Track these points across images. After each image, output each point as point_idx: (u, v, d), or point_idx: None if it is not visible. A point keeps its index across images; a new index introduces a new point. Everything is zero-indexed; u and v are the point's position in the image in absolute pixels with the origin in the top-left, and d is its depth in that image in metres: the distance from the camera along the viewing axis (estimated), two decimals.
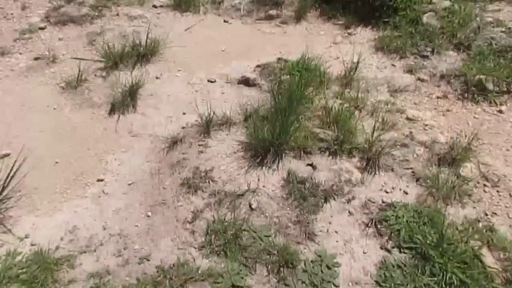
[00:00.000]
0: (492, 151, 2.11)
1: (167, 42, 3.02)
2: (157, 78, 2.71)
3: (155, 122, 2.36)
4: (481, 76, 2.47)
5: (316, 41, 3.03)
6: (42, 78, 2.78)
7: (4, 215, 1.87)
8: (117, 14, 3.43)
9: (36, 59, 2.96)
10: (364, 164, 2.01)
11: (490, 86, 2.45)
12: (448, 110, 2.38)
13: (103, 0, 3.59)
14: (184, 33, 3.20)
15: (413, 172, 1.98)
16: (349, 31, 3.10)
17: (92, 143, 2.25)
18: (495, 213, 1.81)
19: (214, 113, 2.25)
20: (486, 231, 1.74)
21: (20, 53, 3.04)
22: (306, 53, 2.67)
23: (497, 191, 1.90)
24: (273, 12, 3.31)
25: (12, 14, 3.51)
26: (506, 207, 1.85)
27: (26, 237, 1.80)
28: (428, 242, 1.67)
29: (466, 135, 2.14)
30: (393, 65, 2.74)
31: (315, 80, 2.49)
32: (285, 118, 2.06)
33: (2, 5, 3.66)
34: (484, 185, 1.93)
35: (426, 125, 2.26)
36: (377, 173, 1.98)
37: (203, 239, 1.74)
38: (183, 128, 2.29)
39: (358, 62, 2.59)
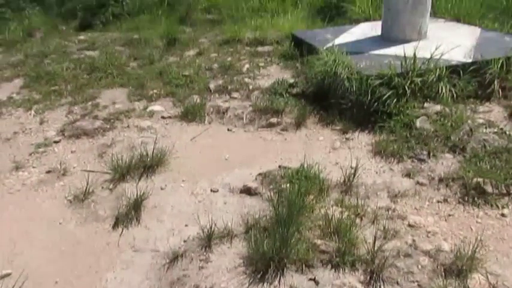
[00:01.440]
0: (499, 259, 2.05)
1: (173, 152, 3.17)
2: (162, 189, 2.79)
3: (157, 236, 2.38)
4: (479, 179, 2.50)
5: (315, 147, 3.16)
6: (51, 191, 2.88)
7: None
8: (128, 126, 3.66)
9: (48, 172, 3.10)
10: (368, 277, 1.96)
11: (489, 189, 2.46)
12: (449, 215, 2.37)
13: (115, 113, 3.86)
14: (189, 143, 3.37)
15: (419, 285, 1.92)
16: (346, 136, 3.23)
17: (94, 260, 2.25)
18: None
19: (215, 225, 2.28)
20: None
21: (33, 167, 3.20)
22: (306, 161, 2.77)
23: None
24: (273, 120, 3.50)
25: (30, 128, 3.77)
26: None
27: None
28: None
29: (470, 242, 2.10)
30: (391, 169, 2.80)
31: (315, 188, 2.54)
32: (285, 230, 2.07)
33: (23, 120, 3.95)
34: None
35: (429, 232, 2.24)
36: (382, 287, 1.91)
37: None
38: (185, 241, 2.30)
39: (356, 168, 2.66)
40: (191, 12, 7.28)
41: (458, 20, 5.04)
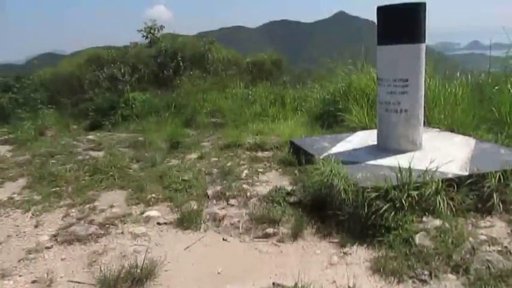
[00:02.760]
0: None
1: (165, 263, 3.06)
2: None
3: None
4: None
5: (312, 261, 3.04)
6: None
7: None
8: (122, 233, 3.60)
9: (33, 282, 2.97)
10: None
11: None
12: None
13: (112, 218, 3.83)
14: (183, 253, 3.27)
15: None
16: (344, 250, 3.13)
17: None
18: None
19: None
20: None
21: (20, 275, 3.07)
22: (301, 279, 2.64)
23: None
24: (270, 230, 3.43)
25: (25, 232, 3.71)
26: None
27: None
28: None
29: None
30: None
31: None
32: None
33: (19, 222, 3.91)
34: None
35: None
36: None
37: None
38: None
39: None
40: (196, 115, 7.65)
41: (452, 130, 5.21)
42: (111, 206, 4.10)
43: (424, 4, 4.16)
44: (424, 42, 4.25)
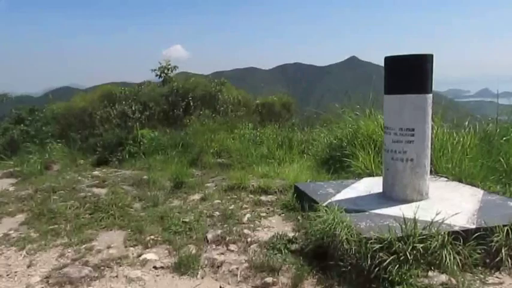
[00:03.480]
0: None
1: None
2: None
3: None
4: None
5: None
6: None
7: None
8: (117, 276, 3.49)
9: None
10: None
11: None
12: None
13: (107, 260, 3.73)
14: None
15: None
16: None
17: None
18: None
19: None
20: None
21: None
22: None
23: None
24: (269, 279, 3.31)
25: (16, 272, 3.61)
26: None
27: None
28: None
29: None
30: None
31: None
32: None
33: (11, 261, 3.83)
34: None
35: None
36: None
37: None
38: None
39: None
40: (203, 155, 7.65)
41: (460, 180, 5.10)
42: (109, 247, 4.01)
43: (431, 56, 4.19)
44: (431, 92, 4.25)
